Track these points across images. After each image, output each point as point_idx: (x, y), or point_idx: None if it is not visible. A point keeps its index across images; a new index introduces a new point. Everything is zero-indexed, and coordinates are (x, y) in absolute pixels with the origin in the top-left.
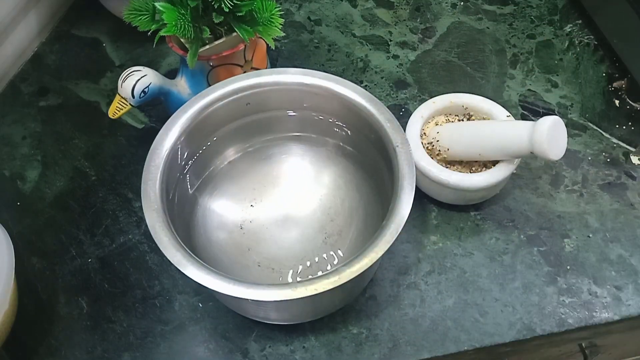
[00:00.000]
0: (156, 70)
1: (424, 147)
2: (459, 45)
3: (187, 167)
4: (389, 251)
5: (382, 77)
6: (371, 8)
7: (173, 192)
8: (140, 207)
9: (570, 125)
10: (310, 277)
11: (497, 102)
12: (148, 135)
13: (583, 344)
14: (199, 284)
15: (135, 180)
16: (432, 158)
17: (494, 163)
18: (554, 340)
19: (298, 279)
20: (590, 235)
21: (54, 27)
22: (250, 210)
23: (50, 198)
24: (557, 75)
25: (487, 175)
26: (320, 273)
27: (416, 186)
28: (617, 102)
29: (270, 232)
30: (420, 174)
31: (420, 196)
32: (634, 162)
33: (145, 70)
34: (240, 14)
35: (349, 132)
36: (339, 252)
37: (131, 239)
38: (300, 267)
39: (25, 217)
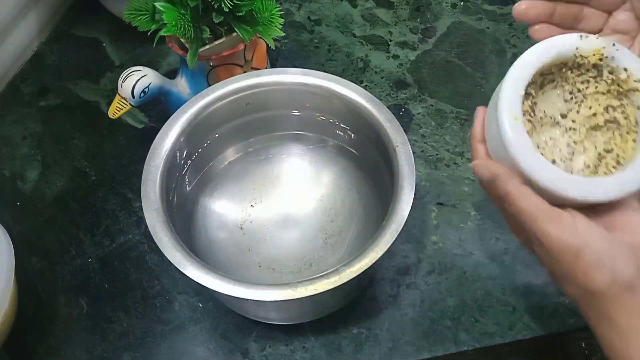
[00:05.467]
0: (156, 70)
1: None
2: (459, 45)
3: (187, 167)
4: (389, 251)
5: (382, 77)
6: (371, 8)
7: (173, 192)
8: (140, 207)
9: None
10: (310, 277)
11: None
12: (148, 135)
13: (583, 344)
14: (199, 284)
15: (135, 180)
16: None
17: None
18: (554, 341)
19: (298, 279)
20: None
21: (53, 27)
22: (251, 211)
23: (50, 198)
24: None
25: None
26: (320, 273)
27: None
28: None
29: (271, 232)
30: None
31: (421, 196)
32: None
33: (145, 70)
34: (240, 14)
35: (348, 132)
36: (339, 252)
37: (131, 239)
38: (301, 267)
39: (25, 217)
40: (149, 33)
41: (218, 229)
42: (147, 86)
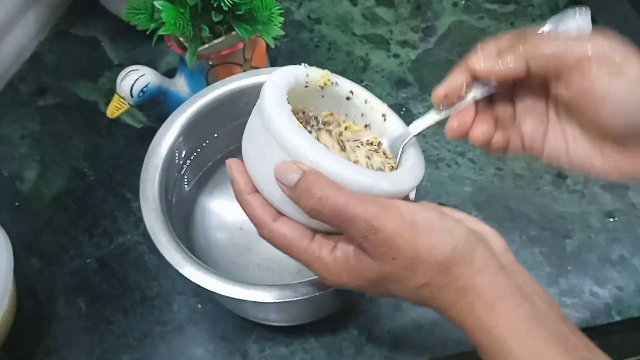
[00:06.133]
0: (155, 69)
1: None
2: (460, 44)
3: (186, 166)
4: None
5: (382, 77)
6: (372, 7)
7: (172, 192)
8: (139, 207)
9: None
10: (310, 278)
11: None
12: (147, 135)
13: None
14: (198, 285)
15: (134, 180)
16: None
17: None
18: None
19: (298, 280)
20: (592, 236)
21: (52, 26)
22: None
23: (49, 198)
24: None
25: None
26: None
27: None
28: None
29: None
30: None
31: (421, 196)
32: None
33: (143, 69)
34: (239, 13)
35: None
36: None
37: (130, 239)
38: (300, 268)
39: (24, 218)
40: (148, 32)
41: (217, 229)
42: (146, 85)
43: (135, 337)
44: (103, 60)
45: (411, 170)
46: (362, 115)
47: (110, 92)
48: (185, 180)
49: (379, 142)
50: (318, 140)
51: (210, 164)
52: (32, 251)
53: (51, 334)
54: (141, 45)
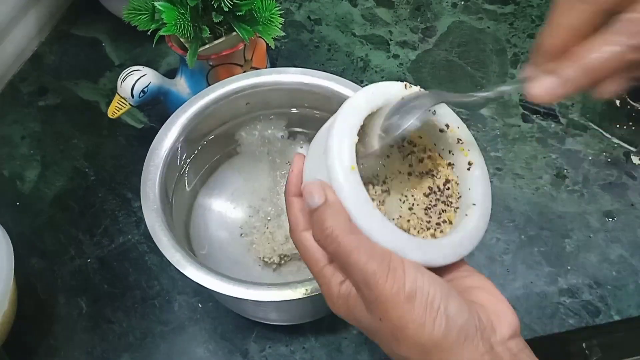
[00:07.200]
0: (156, 69)
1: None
2: (459, 44)
3: (186, 166)
4: None
5: (382, 77)
6: (371, 7)
7: (172, 192)
8: (140, 207)
9: (571, 125)
10: (310, 277)
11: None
12: (147, 135)
13: (584, 344)
14: (199, 284)
15: (134, 180)
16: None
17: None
18: (555, 341)
19: (298, 279)
20: (591, 236)
21: (53, 26)
22: (250, 210)
23: (50, 198)
24: None
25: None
26: None
27: None
28: (617, 102)
29: (270, 231)
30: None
31: None
32: (634, 162)
33: (144, 69)
34: (239, 14)
35: None
36: None
37: (130, 239)
38: (300, 267)
39: (25, 217)
40: (149, 33)
41: (217, 228)
42: (147, 86)
43: (135, 336)
44: (104, 61)
45: (460, 242)
46: (450, 152)
47: (111, 92)
48: (186, 179)
49: (453, 183)
50: (384, 166)
51: (210, 163)
52: (33, 251)
53: (52, 333)
54: (142, 45)
